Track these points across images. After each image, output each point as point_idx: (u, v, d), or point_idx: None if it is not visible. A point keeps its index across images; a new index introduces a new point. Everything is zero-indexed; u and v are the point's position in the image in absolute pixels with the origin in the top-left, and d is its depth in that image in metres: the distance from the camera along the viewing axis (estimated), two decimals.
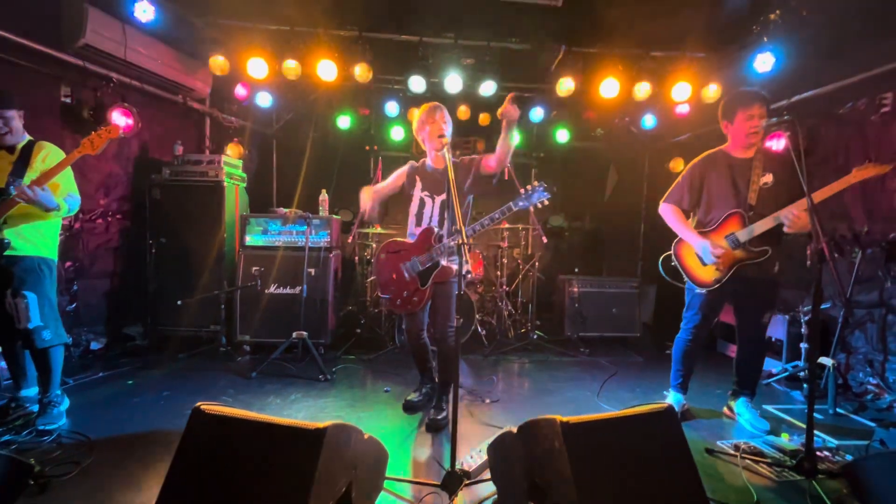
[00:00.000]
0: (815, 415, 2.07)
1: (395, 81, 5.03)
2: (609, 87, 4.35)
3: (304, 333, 3.69)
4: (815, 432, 2.32)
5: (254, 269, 4.03)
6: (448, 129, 2.70)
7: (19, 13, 3.17)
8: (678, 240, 2.83)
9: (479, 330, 4.53)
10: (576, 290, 4.72)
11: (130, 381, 3.34)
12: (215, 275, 4.13)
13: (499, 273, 4.85)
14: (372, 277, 4.83)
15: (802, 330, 3.65)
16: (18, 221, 2.44)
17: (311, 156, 5.88)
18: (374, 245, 4.78)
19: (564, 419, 1.43)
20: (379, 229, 4.94)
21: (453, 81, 4.37)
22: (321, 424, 1.37)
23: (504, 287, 4.80)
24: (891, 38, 3.23)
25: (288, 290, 4.08)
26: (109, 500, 1.91)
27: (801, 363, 3.61)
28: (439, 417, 2.74)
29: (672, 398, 2.95)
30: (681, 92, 4.34)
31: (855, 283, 3.32)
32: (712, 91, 4.31)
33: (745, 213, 2.60)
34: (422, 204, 2.82)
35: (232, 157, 4.55)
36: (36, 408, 2.61)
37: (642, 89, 4.36)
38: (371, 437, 1.75)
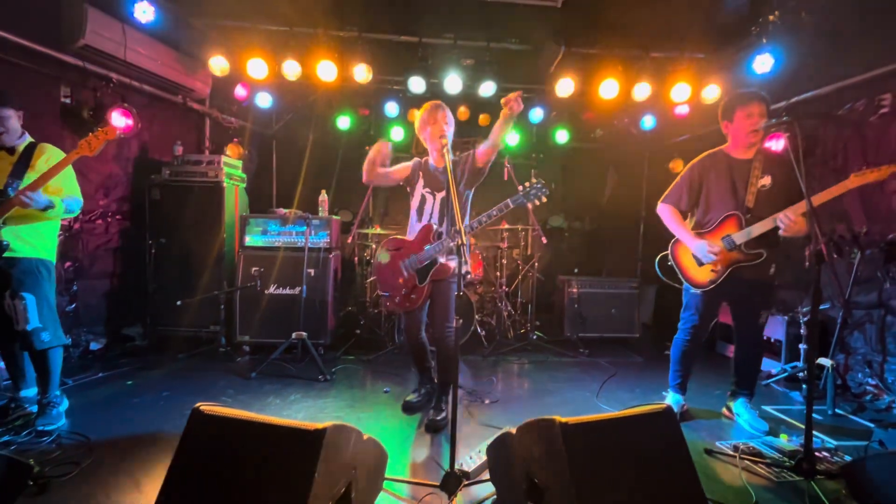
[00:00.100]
0: (813, 415, 2.07)
1: (395, 82, 5.04)
2: (608, 88, 4.35)
3: (304, 334, 3.70)
4: (814, 433, 2.32)
5: (253, 269, 4.03)
6: (449, 130, 2.71)
7: (19, 13, 3.17)
8: (675, 240, 2.84)
9: (479, 330, 4.53)
10: (575, 290, 4.73)
11: (130, 382, 3.34)
12: (215, 275, 4.14)
13: (498, 273, 4.85)
14: (372, 278, 4.83)
15: (801, 331, 3.65)
16: (17, 223, 2.44)
17: (310, 156, 5.88)
18: (374, 245, 4.78)
19: (563, 420, 1.44)
20: (378, 229, 4.95)
21: (453, 82, 4.37)
22: (320, 425, 1.38)
23: (503, 287, 4.80)
24: (889, 39, 3.24)
25: (287, 291, 4.09)
26: (109, 501, 1.91)
27: (799, 364, 3.61)
28: (438, 418, 2.74)
29: (671, 399, 2.96)
30: (680, 93, 4.34)
31: (854, 284, 3.32)
32: (711, 92, 4.32)
33: (743, 215, 2.61)
34: (423, 200, 2.83)
35: (232, 158, 4.55)
36: (35, 408, 2.61)
37: (642, 90, 4.37)
38: (370, 438, 1.75)
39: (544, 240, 4.58)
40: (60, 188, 2.55)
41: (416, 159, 2.96)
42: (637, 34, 4.10)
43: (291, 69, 4.18)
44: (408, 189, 2.95)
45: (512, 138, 5.78)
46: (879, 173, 2.30)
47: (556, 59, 4.36)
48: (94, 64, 3.63)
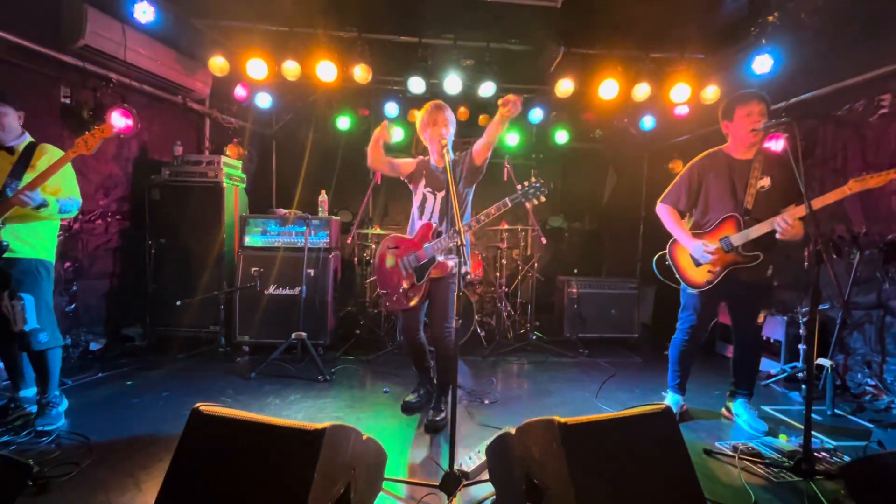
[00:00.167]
0: (813, 416, 2.07)
1: (395, 82, 5.04)
2: (608, 89, 4.36)
3: (304, 334, 3.70)
4: (813, 433, 2.32)
5: (253, 269, 4.03)
6: (450, 131, 2.72)
7: (19, 14, 3.17)
8: (673, 240, 2.84)
9: (479, 331, 4.53)
10: (575, 290, 4.73)
11: (129, 382, 3.34)
12: (215, 275, 4.14)
13: (498, 274, 4.85)
14: (371, 278, 4.83)
15: (801, 331, 3.66)
16: (16, 222, 2.44)
17: (310, 156, 5.89)
18: (374, 246, 4.78)
19: (562, 420, 1.44)
20: (378, 230, 4.95)
21: (452, 82, 4.37)
22: (320, 425, 1.38)
23: (503, 288, 4.80)
24: (888, 39, 3.24)
25: (287, 291, 4.09)
26: (108, 501, 1.91)
27: (799, 364, 3.62)
28: (438, 418, 2.74)
29: (670, 399, 2.96)
30: (680, 93, 4.35)
31: (853, 285, 3.32)
32: (711, 92, 4.33)
33: (741, 217, 2.61)
34: (424, 199, 2.84)
35: (231, 158, 4.56)
36: (35, 408, 2.61)
37: (641, 90, 4.38)
38: (370, 438, 1.75)
39: (544, 240, 4.59)
40: (59, 188, 2.54)
41: (420, 157, 2.97)
42: (637, 35, 4.11)
43: (291, 69, 4.18)
44: (410, 187, 2.96)
45: (512, 138, 5.78)
46: (879, 179, 2.30)
47: (555, 60, 4.37)
48: (94, 64, 3.63)
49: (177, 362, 3.82)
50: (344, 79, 4.30)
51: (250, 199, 4.74)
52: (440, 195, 2.79)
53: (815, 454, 2.34)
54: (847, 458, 2.36)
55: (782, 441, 2.59)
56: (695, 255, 2.71)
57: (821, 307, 3.64)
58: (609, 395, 3.35)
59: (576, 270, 5.27)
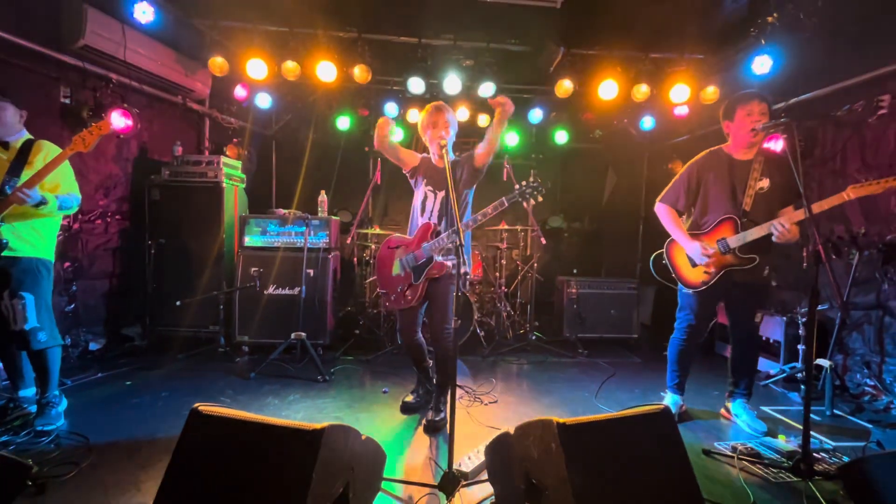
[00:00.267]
0: (812, 416, 2.07)
1: (395, 82, 5.04)
2: (608, 89, 4.36)
3: (303, 334, 3.70)
4: (812, 434, 2.33)
5: (253, 269, 4.03)
6: (450, 134, 2.73)
7: (19, 14, 3.17)
8: (670, 239, 2.85)
9: (478, 331, 4.53)
10: (574, 291, 4.73)
11: (129, 382, 3.34)
12: (214, 275, 4.14)
13: (497, 274, 4.85)
14: (371, 278, 4.83)
15: (800, 331, 3.66)
16: (15, 220, 2.44)
17: (310, 157, 5.89)
18: (374, 246, 4.79)
19: (561, 420, 1.44)
20: (378, 230, 4.95)
21: (452, 82, 4.37)
22: (319, 425, 1.38)
23: (503, 288, 4.81)
24: (888, 40, 3.24)
25: (287, 291, 4.09)
26: (107, 501, 1.91)
27: (798, 365, 3.62)
28: (437, 418, 2.74)
29: (669, 399, 2.96)
30: (679, 94, 4.35)
31: (852, 285, 3.32)
32: (710, 93, 4.33)
33: (739, 219, 2.62)
34: (425, 197, 2.85)
35: (231, 158, 4.56)
36: (34, 408, 2.61)
37: (641, 91, 4.38)
38: (369, 438, 1.76)
39: (543, 240, 4.59)
40: (58, 184, 2.54)
41: (424, 155, 2.98)
42: (636, 35, 4.11)
43: (291, 69, 4.18)
44: (411, 182, 2.96)
45: (511, 139, 5.79)
46: (877, 188, 2.30)
47: (555, 60, 4.37)
48: (94, 64, 3.63)
49: (176, 362, 3.82)
50: (344, 79, 4.31)
51: (250, 199, 4.74)
52: (440, 194, 2.80)
53: (814, 454, 2.34)
54: (846, 459, 2.36)
55: (781, 441, 2.59)
56: (692, 257, 2.71)
57: (820, 307, 3.64)
58: (608, 396, 3.35)
59: (575, 270, 5.27)
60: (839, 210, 3.57)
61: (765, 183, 2.61)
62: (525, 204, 2.54)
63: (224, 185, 4.19)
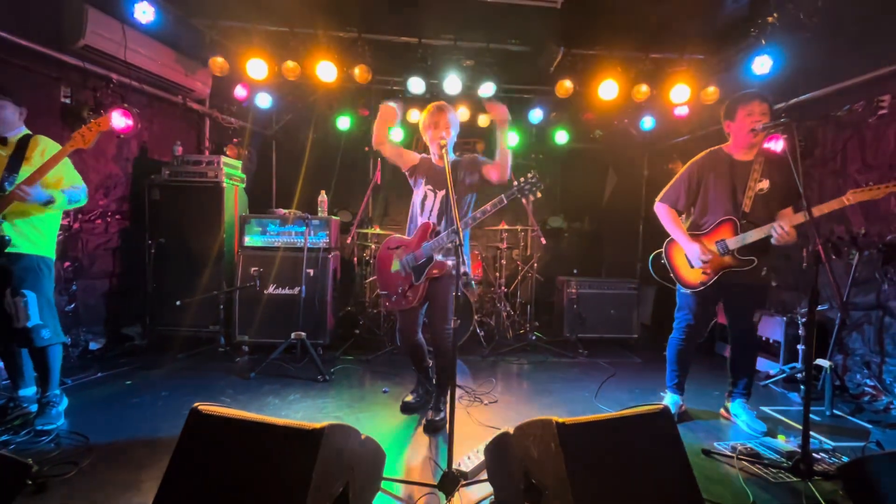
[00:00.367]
0: (811, 416, 2.07)
1: (395, 83, 5.04)
2: (608, 89, 4.36)
3: (303, 334, 3.70)
4: (812, 434, 2.32)
5: (253, 269, 4.03)
6: (450, 134, 2.72)
7: (19, 14, 3.17)
8: (669, 239, 2.85)
9: (478, 331, 4.54)
10: (574, 291, 4.73)
11: (129, 382, 3.34)
12: (214, 275, 4.14)
13: (498, 274, 4.85)
14: (371, 278, 4.83)
15: (800, 331, 3.66)
16: (16, 218, 2.43)
17: (310, 157, 5.89)
18: (374, 246, 4.79)
19: (560, 420, 1.44)
20: (378, 230, 4.95)
21: (452, 83, 4.37)
22: (319, 425, 1.38)
23: (503, 288, 4.81)
24: (888, 40, 3.24)
25: (287, 291, 4.09)
26: (107, 501, 1.92)
27: (798, 365, 3.62)
28: (437, 418, 2.74)
29: (669, 399, 2.97)
30: (679, 94, 4.34)
31: (852, 286, 3.32)
32: (711, 93, 4.32)
33: (739, 220, 2.62)
34: (425, 196, 2.85)
35: (231, 158, 4.56)
36: (35, 408, 2.61)
37: (641, 91, 4.38)
38: (369, 438, 1.76)
39: (543, 240, 4.59)
40: (61, 177, 2.54)
41: (423, 155, 2.98)
42: (637, 35, 4.11)
43: (291, 69, 4.19)
44: (411, 181, 2.96)
45: (512, 139, 5.78)
46: (877, 193, 2.30)
47: (555, 60, 4.37)
48: (95, 64, 3.64)
49: (176, 362, 3.82)
50: (344, 79, 4.31)
51: (250, 199, 4.74)
52: (440, 194, 2.80)
53: (814, 455, 2.34)
54: (845, 459, 2.36)
55: (781, 441, 2.59)
56: (690, 258, 2.71)
57: (820, 308, 3.64)
58: (608, 396, 3.35)
59: (575, 271, 5.26)
60: (839, 210, 3.56)
61: (765, 184, 2.61)
62: (524, 200, 2.54)
63: (224, 184, 4.19)
